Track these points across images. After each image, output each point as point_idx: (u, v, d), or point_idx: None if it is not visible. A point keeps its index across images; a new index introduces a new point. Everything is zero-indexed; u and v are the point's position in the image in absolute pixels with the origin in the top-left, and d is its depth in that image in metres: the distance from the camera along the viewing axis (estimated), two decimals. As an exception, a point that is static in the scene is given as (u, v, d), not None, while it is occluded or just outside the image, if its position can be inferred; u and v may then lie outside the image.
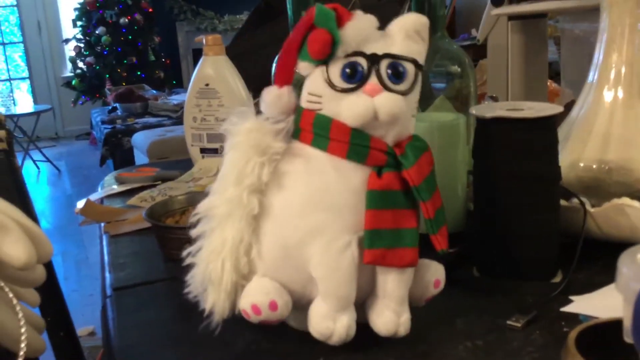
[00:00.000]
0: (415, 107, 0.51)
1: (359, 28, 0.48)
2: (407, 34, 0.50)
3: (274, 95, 0.50)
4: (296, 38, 0.49)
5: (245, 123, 0.51)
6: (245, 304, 0.50)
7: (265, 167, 0.50)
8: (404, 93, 0.49)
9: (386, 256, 0.49)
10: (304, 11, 0.51)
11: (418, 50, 0.50)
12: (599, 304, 0.56)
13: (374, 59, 0.48)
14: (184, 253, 0.52)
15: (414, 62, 0.50)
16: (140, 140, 3.73)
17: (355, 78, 0.48)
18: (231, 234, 0.50)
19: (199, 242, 0.52)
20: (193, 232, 0.52)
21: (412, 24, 0.50)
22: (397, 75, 0.48)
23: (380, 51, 0.49)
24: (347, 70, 0.48)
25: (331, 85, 0.49)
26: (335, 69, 0.48)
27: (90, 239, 3.29)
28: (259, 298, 0.50)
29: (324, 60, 0.49)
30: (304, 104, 0.51)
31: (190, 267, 0.52)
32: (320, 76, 0.49)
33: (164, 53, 6.04)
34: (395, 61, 0.49)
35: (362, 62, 0.48)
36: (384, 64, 0.48)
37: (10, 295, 0.43)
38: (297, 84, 0.51)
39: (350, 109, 0.48)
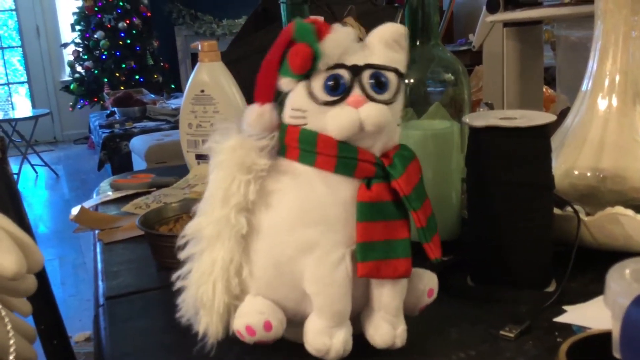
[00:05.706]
0: (399, 116, 0.51)
1: (339, 40, 0.48)
2: (386, 44, 0.50)
3: (256, 114, 0.50)
4: (275, 54, 0.49)
5: (228, 141, 0.50)
6: (239, 325, 0.50)
7: (252, 185, 0.49)
8: (387, 102, 0.48)
9: (380, 268, 0.48)
10: (298, 17, 0.51)
11: (398, 59, 0.50)
12: (592, 315, 0.56)
13: (355, 70, 0.48)
14: (174, 276, 0.52)
15: (395, 71, 0.49)
16: (138, 144, 3.72)
17: (338, 90, 0.48)
18: (221, 254, 0.50)
19: (189, 265, 0.51)
20: (181, 255, 0.51)
21: (390, 34, 0.50)
22: (379, 85, 0.48)
23: (361, 62, 0.48)
24: (330, 83, 0.48)
25: (314, 99, 0.48)
26: (318, 83, 0.48)
27: (88, 244, 3.28)
28: (253, 318, 0.49)
29: (306, 74, 0.48)
30: (287, 120, 0.50)
31: (180, 290, 0.51)
32: (303, 91, 0.49)
33: (162, 57, 6.04)
34: (377, 71, 0.48)
35: (344, 74, 0.48)
36: (366, 75, 0.48)
37: (-1, 305, 0.43)
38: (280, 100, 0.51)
39: (335, 121, 0.48)
